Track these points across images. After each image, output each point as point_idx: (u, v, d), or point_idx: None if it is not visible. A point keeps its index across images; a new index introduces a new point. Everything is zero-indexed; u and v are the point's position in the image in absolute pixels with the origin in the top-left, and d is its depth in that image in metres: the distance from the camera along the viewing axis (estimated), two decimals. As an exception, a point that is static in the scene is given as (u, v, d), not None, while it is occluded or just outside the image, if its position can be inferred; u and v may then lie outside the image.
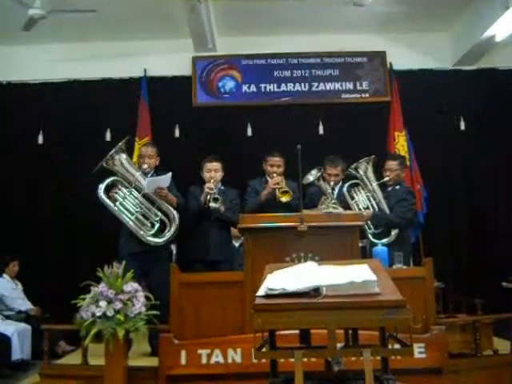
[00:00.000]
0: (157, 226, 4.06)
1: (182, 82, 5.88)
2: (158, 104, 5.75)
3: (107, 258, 3.57)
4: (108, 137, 5.70)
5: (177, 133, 5.77)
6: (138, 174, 4.09)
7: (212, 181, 4.36)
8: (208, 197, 4.34)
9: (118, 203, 4.01)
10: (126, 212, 4.02)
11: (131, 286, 3.30)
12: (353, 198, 4.49)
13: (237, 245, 5.05)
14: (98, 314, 3.20)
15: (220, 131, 5.72)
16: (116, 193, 4.02)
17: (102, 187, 4.00)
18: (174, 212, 4.13)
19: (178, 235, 4.18)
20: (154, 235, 4.05)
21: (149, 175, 4.18)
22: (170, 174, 4.11)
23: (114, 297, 3.24)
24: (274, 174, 4.51)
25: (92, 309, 3.22)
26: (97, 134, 5.69)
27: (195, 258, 4.41)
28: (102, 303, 3.22)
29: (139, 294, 3.33)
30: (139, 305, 3.29)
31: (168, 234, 4.09)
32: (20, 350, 4.65)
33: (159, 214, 4.10)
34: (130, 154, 4.39)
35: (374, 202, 4.46)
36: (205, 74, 5.94)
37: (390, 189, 4.51)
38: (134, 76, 5.84)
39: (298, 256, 3.30)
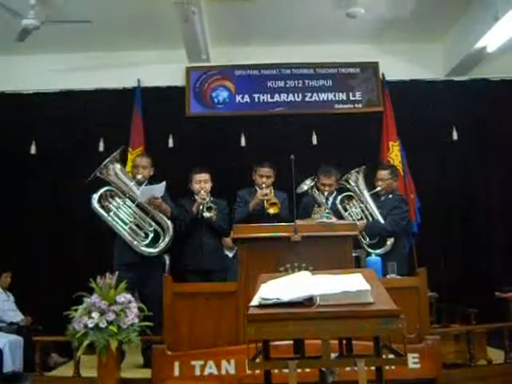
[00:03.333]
0: (151, 236, 4.06)
1: (175, 93, 5.88)
2: (151, 114, 5.75)
3: (100, 269, 3.56)
4: (101, 147, 5.69)
5: (170, 143, 5.77)
6: (131, 184, 4.10)
7: (203, 191, 4.40)
8: (201, 206, 4.36)
9: (111, 213, 4.01)
10: (119, 222, 4.02)
11: (124, 296, 3.29)
12: (346, 210, 4.52)
13: (230, 255, 5.03)
14: (91, 325, 3.18)
15: (213, 141, 5.72)
16: (110, 203, 4.02)
17: (95, 197, 4.00)
18: (168, 222, 4.14)
19: (171, 245, 4.18)
20: (148, 245, 4.05)
21: (143, 185, 4.19)
22: (164, 183, 4.13)
23: (107, 308, 3.23)
24: (264, 185, 4.51)
25: (84, 320, 3.20)
26: (90, 144, 5.67)
27: (189, 268, 4.43)
28: (95, 314, 3.20)
29: (132, 305, 3.32)
30: (132, 316, 3.27)
31: (162, 244, 4.09)
32: (12, 362, 4.60)
33: (153, 224, 4.10)
34: (123, 165, 4.38)
35: (367, 213, 4.49)
36: (198, 85, 5.95)
37: (382, 198, 4.54)
38: (127, 86, 5.84)
39: (291, 266, 3.31)
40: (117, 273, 3.38)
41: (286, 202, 4.51)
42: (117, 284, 3.34)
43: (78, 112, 5.77)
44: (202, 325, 3.41)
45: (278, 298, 1.98)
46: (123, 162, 4.37)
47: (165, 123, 5.77)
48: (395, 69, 5.91)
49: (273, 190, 4.54)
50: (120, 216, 4.03)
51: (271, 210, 4.38)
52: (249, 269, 3.38)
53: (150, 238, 4.05)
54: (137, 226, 4.06)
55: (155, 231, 4.09)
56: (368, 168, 4.71)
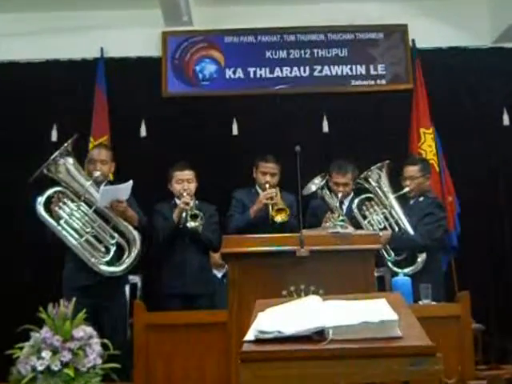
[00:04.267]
0: (112, 250, 4.07)
1: (148, 66, 5.89)
2: (118, 94, 5.76)
3: (52, 294, 3.55)
4: (54, 136, 5.68)
5: (142, 131, 5.78)
6: (88, 184, 4.10)
7: (185, 194, 4.40)
8: (184, 214, 4.37)
9: (62, 221, 4.01)
10: (72, 233, 4.02)
11: (83, 330, 3.27)
12: (365, 218, 4.53)
13: (219, 275, 5.05)
14: (40, 367, 3.16)
15: (198, 129, 5.74)
16: (60, 208, 4.01)
17: (41, 201, 4.00)
18: (135, 233, 4.16)
19: (140, 262, 4.21)
20: (110, 263, 4.06)
21: (102, 185, 4.19)
22: (130, 182, 4.14)
23: (61, 345, 3.21)
24: (267, 185, 4.54)
25: (32, 361, 3.19)
26: (40, 132, 5.67)
27: (167, 293, 4.46)
28: (46, 354, 3.19)
29: (94, 340, 3.30)
30: (94, 355, 3.26)
31: (127, 260, 4.11)
32: None
33: (116, 235, 4.11)
34: (82, 159, 4.38)
35: (392, 221, 4.51)
36: (178, 55, 5.96)
37: (411, 202, 4.56)
38: (87, 57, 5.84)
39: (297, 289, 3.29)
40: (74, 299, 3.37)
41: (294, 208, 4.55)
42: (74, 313, 3.33)
43: (25, 91, 5.76)
44: (183, 365, 3.41)
45: (279, 331, 1.98)
46: (80, 155, 4.36)
47: (135, 105, 5.78)
48: (429, 34, 5.93)
49: (279, 193, 4.59)
50: (73, 225, 4.03)
51: (278, 218, 4.42)
52: (242, 293, 3.35)
53: (111, 254, 4.06)
54: (95, 237, 4.06)
55: (118, 245, 4.10)
56: (393, 163, 4.73)
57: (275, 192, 4.54)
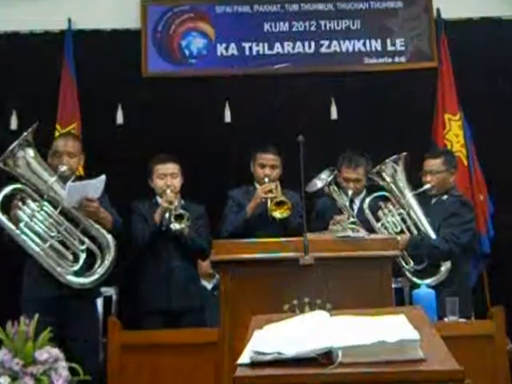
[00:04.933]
0: (82, 258, 4.06)
1: (125, 40, 5.88)
2: (89, 74, 5.75)
3: (11, 310, 3.54)
4: (14, 124, 5.67)
5: (119, 117, 5.77)
6: (53, 180, 4.08)
7: (169, 191, 4.40)
8: (167, 214, 4.37)
9: (22, 224, 3.98)
10: (34, 238, 4.00)
11: (48, 352, 3.27)
12: (379, 219, 4.53)
13: (209, 287, 5.07)
14: (-3, 395, 3.18)
15: (183, 115, 5.74)
16: (19, 209, 4.00)
17: (-4, 200, 3.99)
18: (109, 237, 4.15)
19: (115, 272, 4.20)
20: (79, 273, 4.05)
21: (69, 182, 4.18)
22: (103, 177, 4.13)
23: (22, 370, 3.21)
24: (266, 179, 4.56)
25: (-13, 387, 3.20)
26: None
27: (147, 308, 4.48)
28: (4, 380, 3.19)
29: (60, 364, 3.30)
30: (60, 382, 3.26)
31: (100, 270, 4.10)
32: None
33: (86, 240, 4.10)
34: (46, 151, 4.36)
35: (410, 223, 4.51)
36: (161, 28, 5.95)
37: (433, 201, 4.57)
38: (52, 30, 5.83)
39: (300, 303, 3.30)
40: (36, 316, 3.37)
41: (299, 206, 4.54)
42: (37, 333, 3.33)
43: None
44: (167, 393, 3.42)
45: (279, 353, 1.97)
46: (43, 146, 4.35)
47: (110, 87, 5.77)
48: (457, 2, 5.93)
49: (279, 186, 4.61)
50: (35, 228, 4.00)
51: (277, 213, 4.45)
52: (236, 308, 3.36)
53: (81, 262, 4.05)
54: (61, 243, 4.04)
55: (89, 251, 4.09)
56: (412, 155, 4.73)
57: (274, 185, 4.55)
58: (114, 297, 4.91)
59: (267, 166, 4.66)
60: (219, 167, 5.52)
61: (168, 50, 5.94)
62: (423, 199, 4.60)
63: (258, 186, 4.69)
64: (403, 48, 5.95)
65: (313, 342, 1.98)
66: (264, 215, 4.53)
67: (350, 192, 4.63)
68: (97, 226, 4.14)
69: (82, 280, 4.05)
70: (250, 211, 4.55)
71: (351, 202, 4.66)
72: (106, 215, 4.20)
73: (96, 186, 4.12)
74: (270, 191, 4.52)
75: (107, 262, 4.11)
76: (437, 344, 2.06)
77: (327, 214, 4.62)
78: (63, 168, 4.18)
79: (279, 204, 4.46)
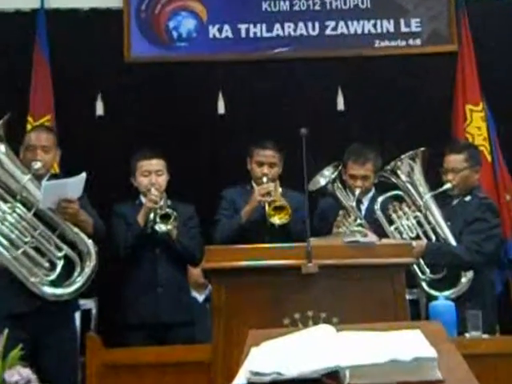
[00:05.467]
0: (59, 266, 4.04)
1: (106, 20, 5.88)
2: (65, 59, 5.74)
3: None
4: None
5: (99, 109, 5.76)
6: (26, 179, 4.07)
7: (154, 189, 4.39)
8: (152, 215, 4.36)
9: (-8, 229, 3.99)
10: (5, 243, 3.99)
11: (18, 373, 3.26)
12: (392, 222, 4.52)
13: (200, 298, 5.07)
14: (-39, 421, 3.17)
15: (170, 105, 5.75)
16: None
17: (-38, 202, 3.99)
18: (89, 243, 4.13)
19: (95, 282, 4.19)
20: (55, 283, 4.03)
21: (44, 180, 4.18)
22: (83, 175, 4.12)
23: (-11, 392, 3.21)
24: (264, 179, 4.55)
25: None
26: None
27: (131, 322, 4.47)
28: (-31, 402, 3.18)
29: (32, 386, 3.30)
30: (32, 405, 3.25)
31: (79, 279, 4.08)
32: None
33: (64, 246, 4.08)
34: (18, 146, 4.36)
35: (427, 227, 4.49)
36: (145, 7, 5.94)
37: (455, 202, 4.55)
38: (22, 8, 5.82)
39: (302, 316, 3.29)
40: (6, 331, 3.36)
41: (301, 208, 4.51)
42: (6, 350, 3.31)
43: None
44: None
45: (278, 373, 1.95)
46: (15, 140, 4.34)
47: (89, 74, 5.76)
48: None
49: (279, 187, 4.61)
50: (6, 233, 4.00)
51: (276, 219, 4.43)
52: (231, 322, 3.35)
53: (58, 271, 4.03)
54: (36, 249, 4.03)
55: (67, 258, 4.08)
56: (430, 151, 4.72)
57: (273, 186, 4.54)
58: (94, 310, 4.91)
59: (265, 163, 4.63)
60: (211, 164, 5.53)
61: (154, 31, 5.93)
62: (443, 200, 4.58)
63: (255, 185, 4.66)
64: (419, 29, 5.94)
65: (317, 361, 1.96)
66: (261, 220, 4.51)
67: (357, 191, 4.58)
68: (76, 229, 4.13)
69: (58, 291, 4.03)
70: (246, 216, 4.52)
71: (358, 202, 4.62)
72: (87, 218, 4.19)
73: (75, 184, 4.10)
74: (268, 193, 4.49)
75: (87, 271, 4.09)
76: (457, 363, 2.05)
77: (331, 216, 4.61)
78: (37, 165, 4.16)
79: (278, 208, 4.44)
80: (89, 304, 4.82)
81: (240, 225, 4.52)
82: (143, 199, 4.53)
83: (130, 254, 4.46)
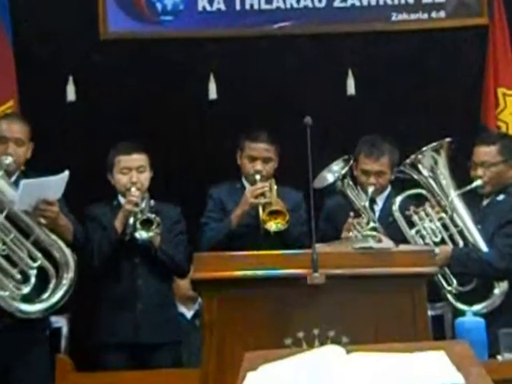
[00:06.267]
0: (33, 278, 4.04)
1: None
2: (31, 36, 5.77)
3: None
4: None
5: (70, 94, 5.76)
6: (-2, 177, 4.10)
7: (134, 189, 4.39)
8: (132, 220, 4.36)
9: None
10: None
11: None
12: (413, 225, 4.52)
13: (189, 315, 5.08)
14: None
15: (154, 90, 5.76)
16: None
17: None
18: (68, 252, 4.14)
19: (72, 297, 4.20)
20: (28, 298, 4.02)
21: (14, 177, 4.20)
22: (66, 173, 4.16)
23: None
24: (257, 177, 4.55)
25: None
26: None
27: (108, 341, 4.48)
28: None
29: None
30: None
31: (57, 293, 4.07)
32: None
33: (39, 255, 4.07)
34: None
35: (454, 231, 4.50)
36: (123, -25, 5.96)
37: (485, 202, 4.57)
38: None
39: (307, 335, 3.29)
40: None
41: (303, 210, 4.56)
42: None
43: None
44: None
45: (280, 403, 1.97)
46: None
47: (59, 54, 5.77)
48: None
49: (275, 186, 4.60)
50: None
51: (272, 225, 4.41)
52: (224, 341, 3.36)
53: (32, 284, 4.03)
54: (6, 258, 4.04)
55: (41, 270, 4.07)
56: (457, 142, 4.72)
57: (268, 186, 4.53)
58: (64, 328, 4.88)
59: (258, 158, 4.61)
60: (200, 158, 5.53)
61: (134, 4, 5.93)
62: (472, 200, 4.59)
63: (246, 183, 4.65)
64: (443, 0, 5.93)
65: (324, 388, 1.97)
66: (254, 224, 4.51)
67: (371, 189, 4.58)
68: (54, 236, 4.13)
69: (31, 308, 4.03)
70: (236, 220, 4.52)
71: (371, 201, 4.62)
72: (66, 223, 4.22)
73: (57, 184, 4.14)
74: (263, 194, 4.48)
75: (65, 283, 4.08)
76: (488, 391, 2.06)
77: (339, 218, 4.60)
78: (8, 160, 4.17)
79: (274, 213, 4.43)
80: (59, 322, 4.77)
81: (229, 229, 4.51)
82: (122, 200, 4.51)
83: (106, 265, 4.45)
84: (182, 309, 5.02)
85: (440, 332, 4.47)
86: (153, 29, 5.93)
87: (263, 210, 4.44)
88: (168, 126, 5.58)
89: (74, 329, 4.90)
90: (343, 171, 4.61)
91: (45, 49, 5.74)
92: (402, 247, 3.87)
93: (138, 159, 4.54)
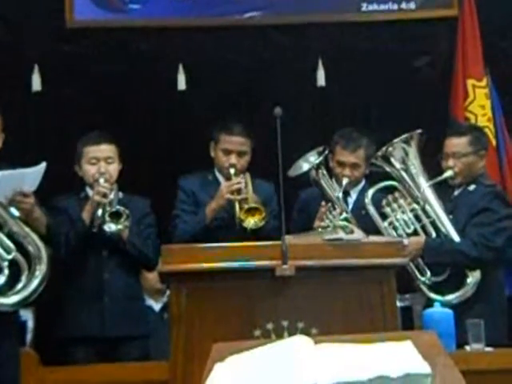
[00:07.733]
0: (6, 271, 4.01)
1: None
2: (5, 22, 5.74)
3: None
4: None
5: (35, 83, 5.73)
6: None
7: (102, 180, 4.38)
8: (100, 212, 4.35)
9: None
10: None
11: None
12: (386, 217, 4.55)
13: (157, 307, 5.09)
14: None
15: (121, 80, 5.74)
16: None
17: None
18: (41, 245, 4.11)
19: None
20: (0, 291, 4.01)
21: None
22: (42, 165, 4.15)
23: None
24: (232, 171, 4.55)
25: None
26: None
27: (75, 335, 4.45)
28: None
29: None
30: None
31: (30, 286, 4.03)
32: None
33: (12, 247, 4.05)
34: None
35: (426, 222, 4.52)
36: (90, -38, 5.93)
37: (457, 193, 4.60)
38: None
39: (276, 327, 3.29)
40: None
41: (275, 203, 4.54)
42: None
43: None
44: None
45: (247, 394, 1.98)
46: None
47: (24, 43, 5.75)
48: None
49: (250, 182, 4.60)
50: None
51: (249, 222, 4.40)
52: (192, 334, 3.36)
53: (5, 277, 4.00)
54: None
55: (13, 263, 4.04)
56: (428, 134, 4.74)
57: (243, 181, 4.53)
58: (30, 322, 4.87)
59: (233, 151, 4.59)
60: (170, 149, 5.52)
61: (101, -8, 5.92)
62: (443, 190, 4.61)
63: (219, 176, 4.65)
64: (413, -10, 5.99)
65: (292, 379, 1.98)
66: (230, 220, 4.51)
67: (345, 181, 4.60)
68: (27, 229, 4.10)
69: (7, 300, 3.99)
70: (211, 214, 4.51)
71: (345, 193, 4.64)
72: (41, 215, 4.20)
73: (33, 176, 4.12)
74: (239, 191, 4.47)
75: (39, 275, 4.03)
76: (454, 380, 2.07)
77: (312, 208, 4.61)
78: None
79: (251, 211, 4.41)
80: (24, 315, 4.77)
81: (204, 224, 4.50)
82: (89, 192, 4.49)
83: (73, 257, 4.44)
84: (150, 302, 5.01)
85: (409, 323, 4.49)
86: (120, 17, 5.91)
87: (239, 206, 4.44)
88: (137, 117, 5.57)
89: (40, 322, 4.89)
90: (318, 161, 4.61)
91: (8, 37, 5.72)
92: (372, 238, 3.88)
93: (107, 150, 4.51)
